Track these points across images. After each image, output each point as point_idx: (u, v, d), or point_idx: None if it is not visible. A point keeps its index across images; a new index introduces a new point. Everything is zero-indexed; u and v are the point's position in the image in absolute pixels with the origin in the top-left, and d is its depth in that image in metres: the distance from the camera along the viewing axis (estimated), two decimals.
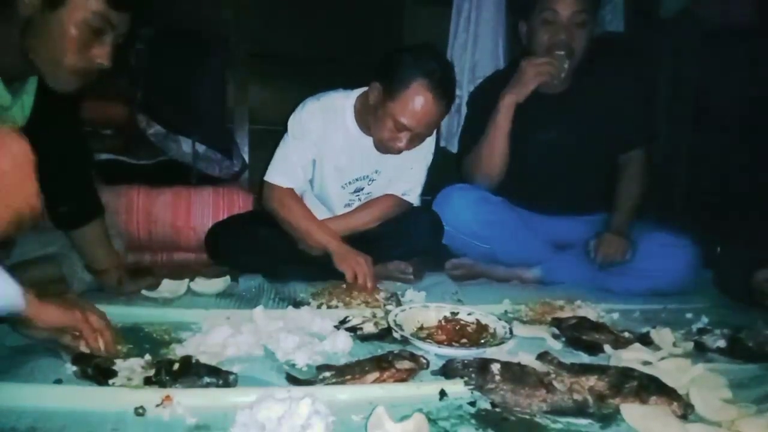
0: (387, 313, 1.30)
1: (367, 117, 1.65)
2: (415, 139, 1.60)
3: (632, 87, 1.82)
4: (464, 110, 2.63)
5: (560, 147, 1.77)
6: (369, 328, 1.21)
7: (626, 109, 1.77)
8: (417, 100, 1.49)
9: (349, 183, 1.76)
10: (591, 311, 1.43)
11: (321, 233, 1.63)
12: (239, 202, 2.23)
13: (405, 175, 1.76)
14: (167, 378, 0.90)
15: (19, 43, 1.07)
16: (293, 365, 1.04)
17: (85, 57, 1.09)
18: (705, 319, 1.40)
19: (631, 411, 0.88)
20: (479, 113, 1.88)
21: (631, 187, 1.76)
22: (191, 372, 0.91)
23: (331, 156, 1.71)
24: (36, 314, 0.94)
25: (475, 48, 2.63)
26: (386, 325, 1.22)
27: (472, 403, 0.91)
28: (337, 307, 1.41)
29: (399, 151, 1.61)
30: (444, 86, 1.52)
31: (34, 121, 1.20)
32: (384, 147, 1.62)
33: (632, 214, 1.74)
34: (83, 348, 0.99)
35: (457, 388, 0.94)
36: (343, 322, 1.24)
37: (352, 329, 1.20)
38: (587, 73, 1.72)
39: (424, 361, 1.02)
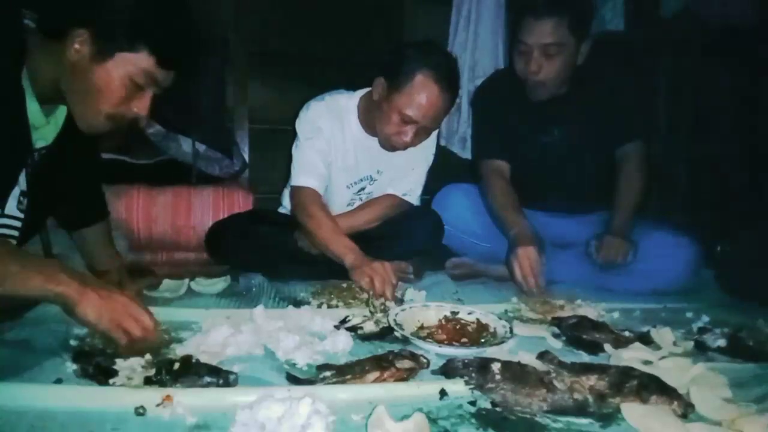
0: (386, 311, 1.30)
1: (371, 116, 1.65)
2: (421, 133, 1.59)
3: (628, 82, 1.82)
4: (464, 109, 2.65)
5: (561, 148, 1.77)
6: (369, 327, 1.21)
7: (622, 102, 1.76)
8: (423, 92, 1.50)
9: (355, 183, 1.76)
10: (591, 310, 1.43)
11: (339, 245, 1.55)
12: (239, 202, 2.23)
13: (406, 176, 1.77)
14: (167, 378, 0.90)
15: (59, 78, 1.07)
16: (293, 365, 1.04)
17: (123, 107, 1.10)
18: (705, 318, 1.40)
19: (631, 410, 0.88)
20: (486, 116, 1.88)
21: (630, 186, 1.76)
22: (191, 372, 0.91)
23: (340, 155, 1.71)
24: (76, 311, 1.00)
25: (474, 47, 2.63)
26: (386, 325, 1.22)
27: (473, 403, 0.91)
28: (337, 306, 1.41)
29: (405, 147, 1.61)
30: (449, 78, 1.53)
31: (61, 138, 1.21)
32: (390, 143, 1.62)
33: (632, 213, 1.74)
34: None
35: (457, 388, 0.94)
36: (343, 321, 1.24)
37: (353, 329, 1.20)
38: (586, 74, 1.72)
39: (425, 360, 1.02)
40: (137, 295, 1.40)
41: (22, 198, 1.18)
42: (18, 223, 1.19)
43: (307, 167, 1.67)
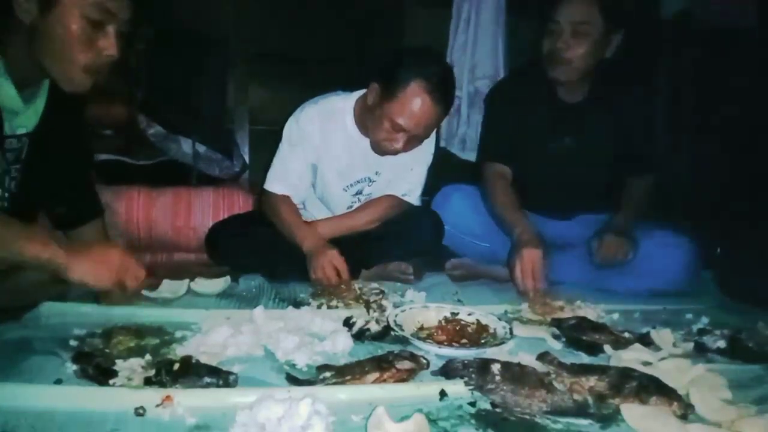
0: (383, 309, 1.30)
1: (366, 118, 1.65)
2: (413, 141, 1.59)
3: (644, 109, 1.81)
4: (464, 111, 2.65)
5: (570, 157, 1.76)
6: (374, 327, 1.21)
7: (636, 136, 1.76)
8: (415, 102, 1.49)
9: (351, 185, 1.76)
10: (591, 311, 1.43)
11: (299, 234, 1.64)
12: (239, 203, 2.23)
13: (405, 176, 1.76)
14: (167, 378, 0.90)
15: (29, 50, 1.08)
16: (293, 365, 1.04)
17: (92, 52, 1.09)
18: (705, 320, 1.40)
19: (631, 411, 0.88)
20: (498, 116, 1.86)
21: (639, 185, 1.77)
22: (191, 372, 0.91)
23: (333, 159, 1.71)
24: (67, 273, 1.08)
25: (474, 48, 2.63)
26: (387, 323, 1.21)
27: (472, 404, 0.91)
28: (337, 307, 1.41)
29: (395, 153, 1.61)
30: (442, 88, 1.52)
31: (43, 125, 1.21)
32: (381, 148, 1.62)
33: (636, 213, 1.73)
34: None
35: (457, 389, 0.94)
36: (347, 324, 1.23)
37: (361, 332, 1.19)
38: (603, 84, 1.72)
39: (425, 361, 1.02)
40: (136, 294, 1.41)
41: (2, 179, 1.19)
42: None
43: (282, 175, 1.71)
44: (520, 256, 1.53)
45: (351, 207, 1.80)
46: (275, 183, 1.71)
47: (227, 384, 0.91)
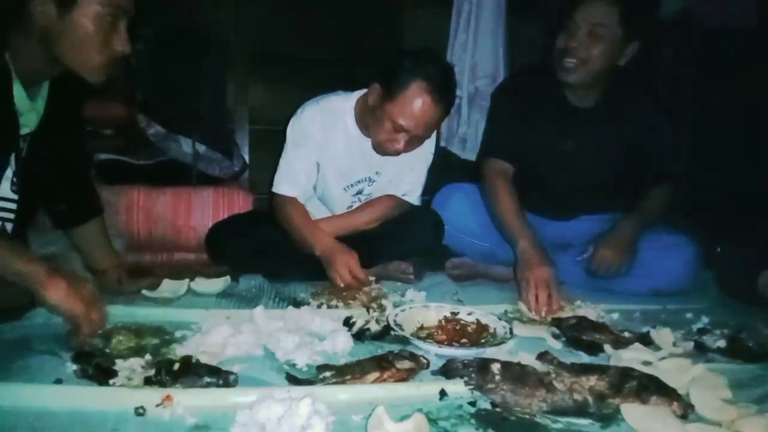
0: (383, 309, 1.30)
1: (366, 119, 1.65)
2: (414, 142, 1.59)
3: (660, 121, 1.78)
4: (464, 110, 2.65)
5: (573, 159, 1.75)
6: (374, 326, 1.21)
7: (651, 146, 1.75)
8: (415, 102, 1.49)
9: (351, 185, 1.76)
10: (591, 311, 1.44)
11: (311, 238, 1.63)
12: (239, 202, 2.23)
13: (405, 176, 1.76)
14: (167, 378, 0.90)
15: (40, 50, 1.08)
16: (293, 365, 1.04)
17: (108, 49, 1.11)
18: (705, 319, 1.40)
19: (631, 411, 0.88)
20: (503, 114, 1.84)
21: (655, 195, 1.76)
22: (191, 372, 0.91)
23: (333, 159, 1.71)
24: (43, 293, 1.04)
25: (475, 48, 2.63)
26: (387, 323, 1.21)
27: (472, 403, 0.91)
28: (337, 307, 1.41)
29: (397, 153, 1.61)
30: (443, 89, 1.52)
31: (43, 125, 1.21)
32: (382, 149, 1.62)
33: (648, 222, 1.71)
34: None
35: (457, 388, 0.94)
36: (347, 324, 1.23)
37: (361, 332, 1.20)
38: (616, 91, 1.70)
39: (425, 361, 1.03)
40: (137, 295, 1.41)
41: (15, 179, 1.19)
42: (13, 206, 1.20)
43: (288, 176, 1.70)
44: (533, 276, 1.47)
45: (351, 207, 1.80)
46: (283, 184, 1.70)
47: (227, 384, 0.91)
